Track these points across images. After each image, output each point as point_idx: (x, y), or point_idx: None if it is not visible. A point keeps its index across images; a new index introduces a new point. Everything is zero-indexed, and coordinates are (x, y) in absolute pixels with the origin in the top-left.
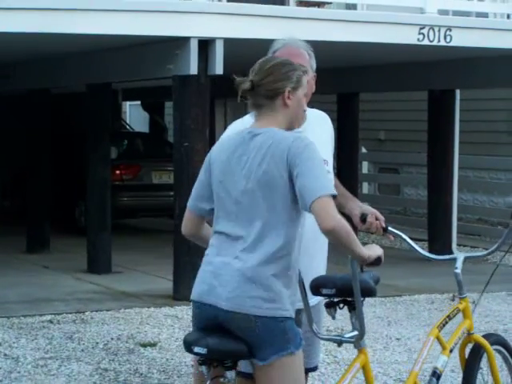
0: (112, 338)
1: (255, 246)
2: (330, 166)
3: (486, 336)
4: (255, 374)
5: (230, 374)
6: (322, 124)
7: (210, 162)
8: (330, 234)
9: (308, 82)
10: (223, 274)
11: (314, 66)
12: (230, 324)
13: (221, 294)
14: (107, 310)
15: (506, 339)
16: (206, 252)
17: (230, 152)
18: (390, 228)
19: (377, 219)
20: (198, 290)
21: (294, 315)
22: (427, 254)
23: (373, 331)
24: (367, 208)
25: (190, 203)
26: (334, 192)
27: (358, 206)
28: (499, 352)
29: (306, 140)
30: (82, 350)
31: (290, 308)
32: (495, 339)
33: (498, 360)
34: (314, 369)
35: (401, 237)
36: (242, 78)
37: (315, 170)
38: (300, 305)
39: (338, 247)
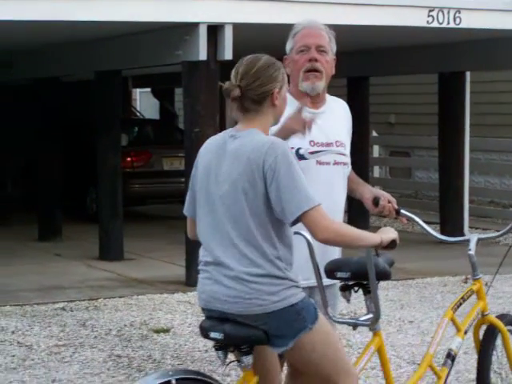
0: (125, 325)
1: (243, 249)
2: (347, 149)
3: (499, 317)
4: (285, 355)
5: (247, 359)
6: (341, 110)
7: (196, 164)
8: (327, 243)
9: (328, 62)
10: (220, 281)
11: (334, 48)
12: (243, 320)
13: (224, 300)
14: (120, 297)
15: None
16: (200, 255)
17: (211, 155)
18: (402, 211)
19: (389, 202)
20: (201, 298)
21: (303, 293)
22: (440, 236)
23: (386, 314)
24: (379, 191)
25: (185, 209)
26: (318, 201)
27: (369, 191)
28: None
29: (281, 146)
30: (95, 337)
31: (296, 290)
32: (509, 320)
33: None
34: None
35: (413, 219)
36: (230, 85)
37: (295, 182)
38: (313, 282)
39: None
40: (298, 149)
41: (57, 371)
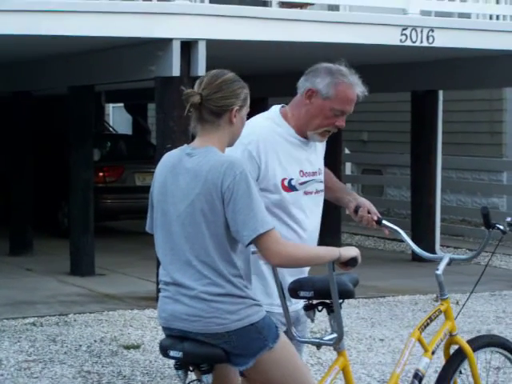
0: (95, 341)
1: (201, 270)
2: (321, 176)
3: (470, 341)
4: (245, 372)
5: (207, 378)
6: None
7: (153, 182)
8: (282, 267)
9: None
10: (180, 300)
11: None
12: (204, 339)
13: (184, 319)
14: (90, 313)
15: (501, 339)
16: (159, 274)
17: (167, 171)
18: (383, 221)
19: (369, 212)
20: (162, 317)
21: (264, 312)
22: (418, 249)
23: (356, 332)
24: (361, 201)
25: (147, 226)
26: (273, 225)
27: (353, 199)
28: (502, 354)
29: (239, 167)
30: (65, 353)
31: (257, 308)
32: (479, 344)
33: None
34: None
35: (395, 230)
36: (191, 91)
37: (252, 205)
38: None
39: None
40: (291, 179)
41: None
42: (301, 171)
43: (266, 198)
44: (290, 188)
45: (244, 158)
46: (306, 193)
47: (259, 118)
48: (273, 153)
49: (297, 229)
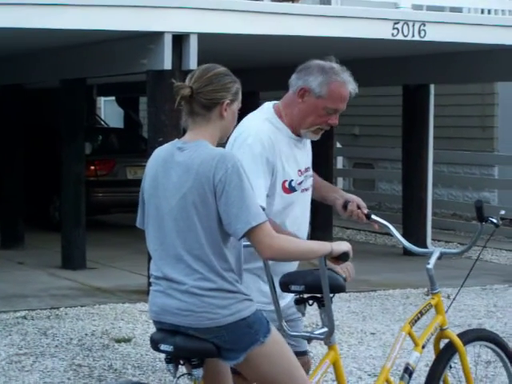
0: (86, 334)
1: (192, 264)
2: (309, 171)
3: (460, 335)
4: (238, 368)
5: (197, 372)
6: None
7: (144, 176)
8: (274, 260)
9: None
10: (171, 294)
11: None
12: (195, 333)
13: (175, 313)
14: (82, 306)
15: (491, 334)
16: (150, 268)
17: (158, 165)
18: (373, 216)
19: (359, 207)
20: (152, 311)
21: (255, 306)
22: (408, 244)
23: (347, 326)
24: (349, 196)
25: (138, 221)
26: (265, 218)
27: (340, 196)
28: (491, 349)
29: (231, 160)
30: (57, 346)
31: (248, 303)
32: (469, 338)
33: (488, 355)
34: (305, 353)
35: (384, 225)
36: (181, 84)
37: (244, 198)
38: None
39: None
40: (291, 181)
41: (17, 380)
42: (299, 171)
43: (270, 204)
44: (291, 189)
45: (263, 166)
46: (302, 190)
47: (257, 121)
48: (277, 155)
49: (292, 226)
